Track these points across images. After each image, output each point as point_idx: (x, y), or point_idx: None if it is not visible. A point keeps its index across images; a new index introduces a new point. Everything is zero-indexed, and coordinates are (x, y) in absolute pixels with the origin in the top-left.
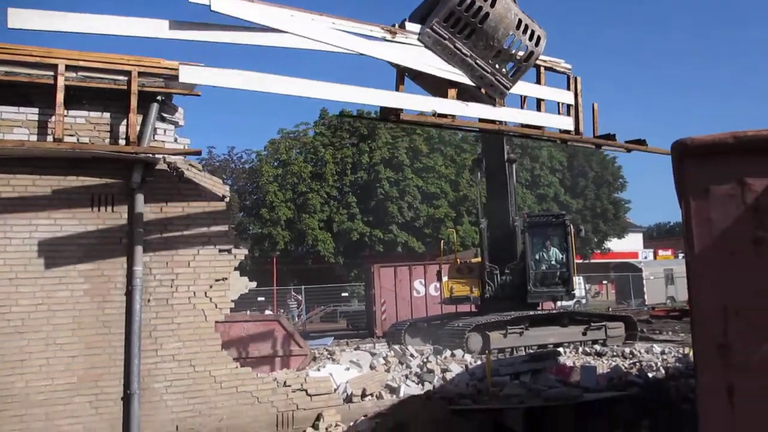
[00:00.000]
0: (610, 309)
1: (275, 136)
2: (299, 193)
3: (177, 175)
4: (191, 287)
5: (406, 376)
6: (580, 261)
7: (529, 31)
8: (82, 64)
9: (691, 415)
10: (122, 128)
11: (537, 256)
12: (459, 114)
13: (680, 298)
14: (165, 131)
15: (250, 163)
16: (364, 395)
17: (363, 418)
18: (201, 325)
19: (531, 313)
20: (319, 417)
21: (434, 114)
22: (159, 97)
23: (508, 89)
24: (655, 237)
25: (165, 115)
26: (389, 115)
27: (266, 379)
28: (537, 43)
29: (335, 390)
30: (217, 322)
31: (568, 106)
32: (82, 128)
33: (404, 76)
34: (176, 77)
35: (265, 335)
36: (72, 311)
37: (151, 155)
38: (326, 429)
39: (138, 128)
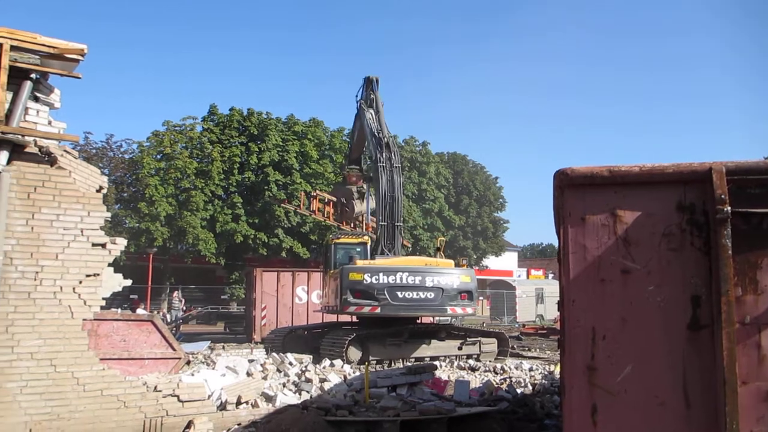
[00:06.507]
0: (485, 324)
1: (159, 128)
2: (182, 189)
3: (49, 161)
4: (58, 281)
5: (284, 385)
6: None
7: None
8: None
9: (554, 430)
10: None
11: None
12: None
13: (548, 316)
14: (38, 112)
15: (131, 153)
16: (239, 403)
17: (236, 426)
18: (66, 323)
19: (411, 326)
20: (189, 424)
21: None
22: (33, 75)
23: None
24: (529, 257)
25: (39, 95)
26: None
27: (135, 383)
28: None
29: (209, 396)
30: (85, 320)
31: None
32: None
33: None
34: (54, 56)
35: (137, 336)
36: None
37: (20, 136)
38: None
39: (7, 106)
